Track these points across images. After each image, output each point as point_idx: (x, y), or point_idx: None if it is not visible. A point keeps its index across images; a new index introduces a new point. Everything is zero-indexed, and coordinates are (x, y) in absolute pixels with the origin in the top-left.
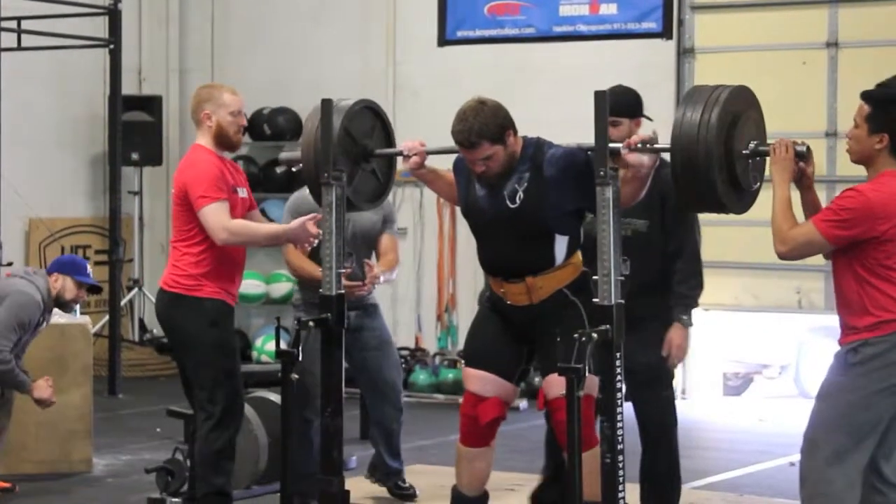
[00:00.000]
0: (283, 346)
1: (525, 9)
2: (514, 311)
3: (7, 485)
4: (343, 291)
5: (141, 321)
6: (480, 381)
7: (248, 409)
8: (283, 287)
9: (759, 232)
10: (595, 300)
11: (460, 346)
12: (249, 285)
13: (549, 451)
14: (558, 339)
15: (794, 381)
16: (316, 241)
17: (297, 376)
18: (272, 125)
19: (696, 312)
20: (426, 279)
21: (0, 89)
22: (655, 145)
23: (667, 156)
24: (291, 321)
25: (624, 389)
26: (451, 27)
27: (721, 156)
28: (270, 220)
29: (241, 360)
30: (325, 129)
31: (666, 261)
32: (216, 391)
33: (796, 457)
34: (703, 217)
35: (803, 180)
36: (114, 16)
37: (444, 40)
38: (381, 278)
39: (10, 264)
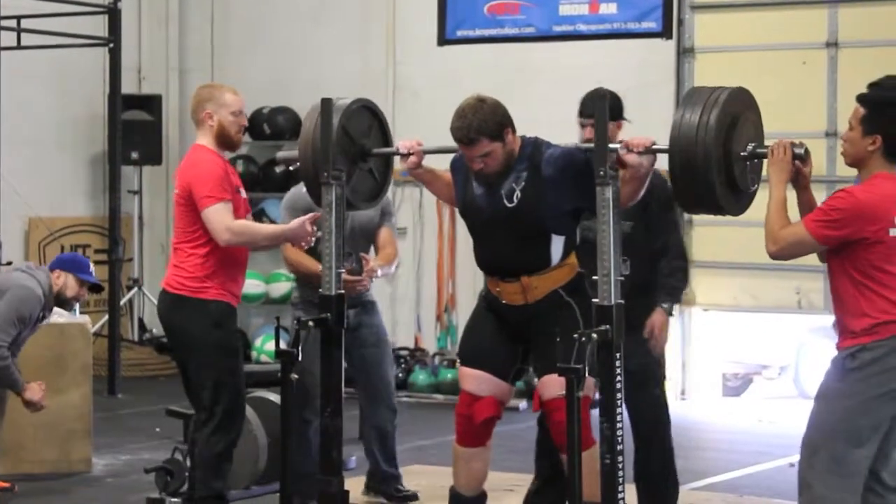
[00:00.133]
0: (282, 345)
1: (525, 8)
2: (509, 311)
3: (6, 484)
4: (343, 291)
5: (140, 321)
6: (476, 380)
7: (248, 410)
8: (282, 287)
9: (759, 232)
10: (595, 300)
11: None
12: (249, 285)
13: (541, 454)
14: (558, 340)
15: (794, 382)
16: (313, 241)
17: (296, 376)
18: (272, 125)
19: (697, 313)
20: (426, 279)
21: (0, 88)
22: (654, 146)
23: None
24: (291, 321)
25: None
26: (450, 27)
27: (720, 157)
28: (271, 221)
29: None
30: (324, 129)
31: (652, 261)
32: (218, 393)
33: (796, 457)
34: (701, 217)
35: (800, 180)
36: (113, 15)
37: (443, 40)
38: (379, 272)
39: (9, 263)
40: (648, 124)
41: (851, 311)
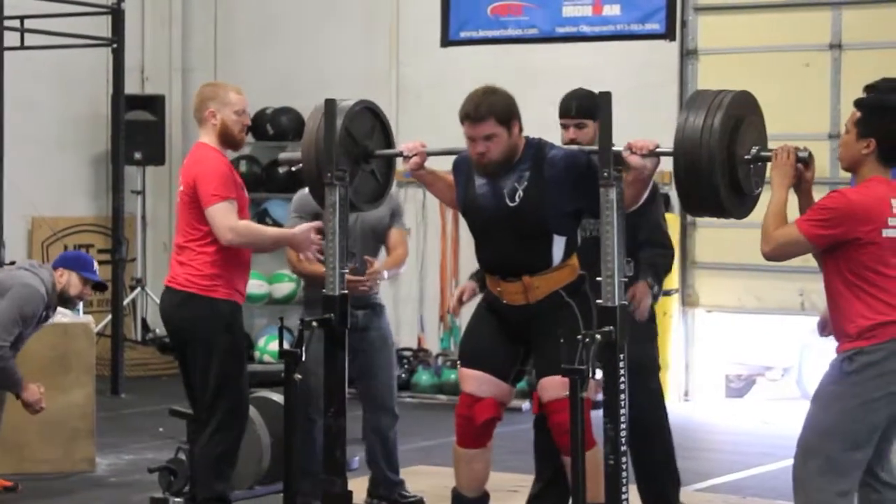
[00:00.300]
0: (286, 346)
1: (528, 10)
2: (509, 311)
3: (9, 484)
4: (346, 292)
5: (143, 321)
6: (476, 381)
7: (252, 410)
8: (285, 287)
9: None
10: (599, 301)
11: None
12: (252, 285)
13: (541, 457)
14: (561, 341)
15: (797, 383)
16: (321, 255)
17: (300, 376)
18: (275, 125)
19: (700, 314)
20: (429, 280)
21: (3, 88)
22: (658, 149)
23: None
24: (295, 321)
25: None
26: (454, 28)
27: (724, 160)
28: (274, 221)
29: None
30: (328, 130)
31: (636, 253)
32: (221, 393)
33: None
34: (704, 219)
35: (802, 185)
36: (117, 15)
37: (447, 41)
38: (386, 274)
39: (12, 263)
40: (651, 126)
41: (846, 314)
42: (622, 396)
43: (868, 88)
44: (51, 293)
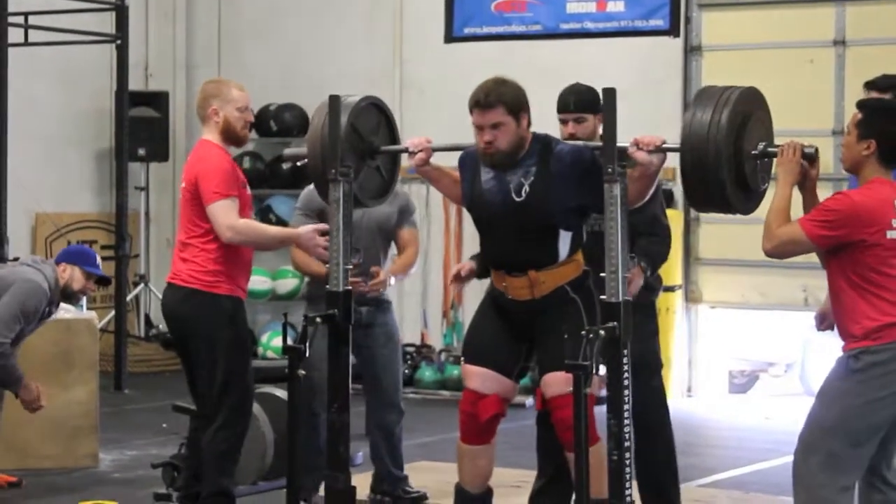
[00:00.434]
0: (289, 342)
1: (532, 6)
2: (515, 306)
3: (13, 479)
4: (350, 288)
5: (147, 317)
6: (480, 377)
7: (255, 406)
8: (288, 283)
9: None
10: (602, 297)
11: None
12: (255, 281)
13: (543, 453)
14: (566, 337)
15: (800, 379)
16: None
17: (304, 372)
18: (278, 121)
19: (703, 310)
20: (432, 275)
21: (7, 84)
22: (664, 145)
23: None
24: (298, 317)
25: None
26: (458, 24)
27: (730, 156)
28: (278, 217)
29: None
30: (332, 126)
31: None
32: (226, 389)
33: None
34: (708, 215)
35: (806, 183)
36: (120, 11)
37: (451, 37)
38: (392, 280)
39: (16, 259)
40: (655, 122)
41: (851, 314)
42: (626, 392)
43: (868, 84)
44: (53, 289)
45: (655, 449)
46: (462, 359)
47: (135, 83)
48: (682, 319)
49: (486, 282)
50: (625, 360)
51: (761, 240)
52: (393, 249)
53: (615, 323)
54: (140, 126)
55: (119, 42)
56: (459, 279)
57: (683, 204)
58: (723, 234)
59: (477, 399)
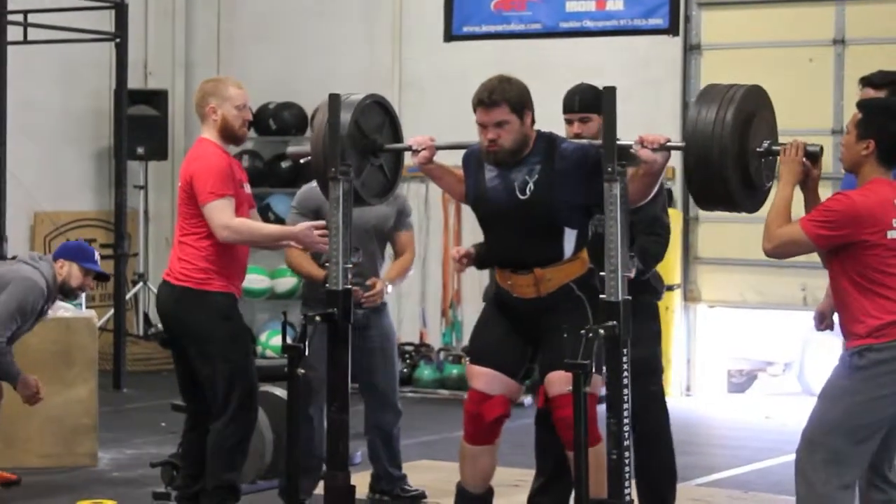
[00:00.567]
0: (288, 340)
1: (531, 5)
2: (520, 305)
3: (12, 477)
4: (350, 287)
5: (146, 315)
6: (485, 378)
7: None
8: (287, 282)
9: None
10: (602, 296)
11: (465, 341)
12: (253, 280)
13: (542, 453)
14: (565, 336)
15: (798, 379)
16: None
17: (303, 371)
18: (277, 120)
19: (702, 309)
20: (431, 275)
21: (6, 83)
22: (668, 143)
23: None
24: (297, 316)
25: None
26: (457, 23)
27: (735, 154)
28: (277, 216)
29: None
30: (332, 125)
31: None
32: (232, 385)
33: None
34: (707, 214)
35: (808, 182)
36: (120, 10)
37: (450, 36)
38: (389, 288)
39: (14, 258)
40: (655, 121)
41: (854, 313)
42: (625, 391)
43: (863, 80)
44: (51, 286)
45: (654, 453)
46: (467, 359)
47: (134, 82)
48: (681, 319)
49: (485, 280)
50: (624, 359)
51: (761, 239)
52: (389, 250)
53: (615, 322)
54: (139, 124)
55: (118, 40)
56: (460, 261)
57: (682, 203)
58: (722, 233)
59: (482, 400)
